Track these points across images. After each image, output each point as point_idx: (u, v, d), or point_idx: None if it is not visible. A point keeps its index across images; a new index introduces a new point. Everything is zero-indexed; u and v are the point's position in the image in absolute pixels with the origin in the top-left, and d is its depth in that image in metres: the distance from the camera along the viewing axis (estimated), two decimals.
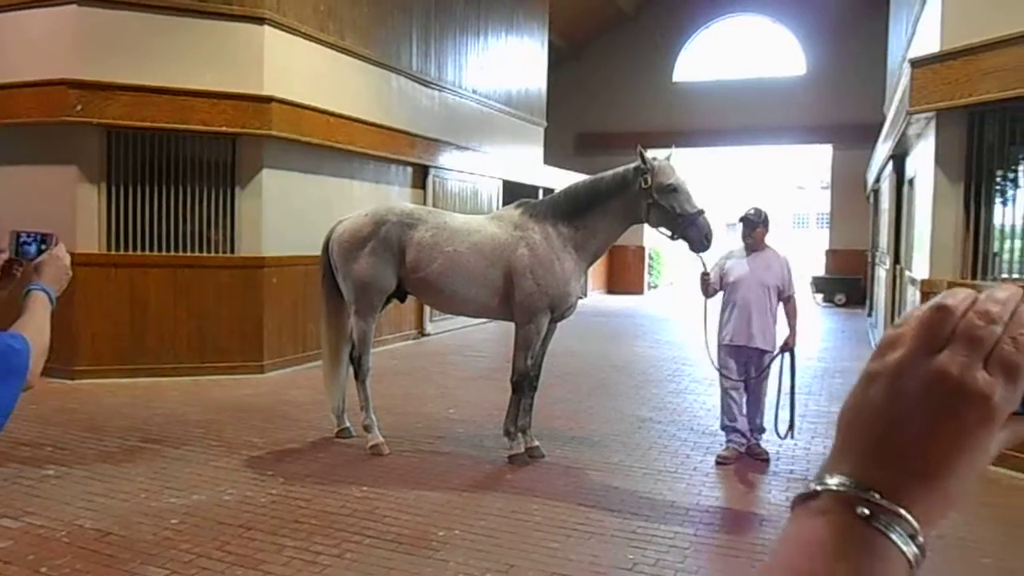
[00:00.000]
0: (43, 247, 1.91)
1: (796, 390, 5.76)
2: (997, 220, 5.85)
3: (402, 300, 5.89)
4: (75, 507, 4.53)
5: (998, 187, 5.80)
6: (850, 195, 18.11)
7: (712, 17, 19.85)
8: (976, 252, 5.89)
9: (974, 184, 5.87)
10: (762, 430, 5.83)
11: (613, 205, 5.27)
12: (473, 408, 7.19)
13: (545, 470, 5.48)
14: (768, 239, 5.73)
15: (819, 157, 21.92)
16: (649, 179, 5.08)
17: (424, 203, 11.37)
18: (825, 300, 18.31)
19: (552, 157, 17.03)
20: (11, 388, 1.53)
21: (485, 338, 11.66)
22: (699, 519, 4.62)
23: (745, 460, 5.76)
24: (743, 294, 5.59)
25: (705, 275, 5.56)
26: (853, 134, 17.68)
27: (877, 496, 0.51)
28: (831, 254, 19.23)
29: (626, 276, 20.20)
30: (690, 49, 20.25)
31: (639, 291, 20.30)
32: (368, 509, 4.61)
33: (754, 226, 5.66)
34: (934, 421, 0.51)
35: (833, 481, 0.52)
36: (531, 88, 15.45)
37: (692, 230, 5.09)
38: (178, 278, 8.22)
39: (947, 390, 0.51)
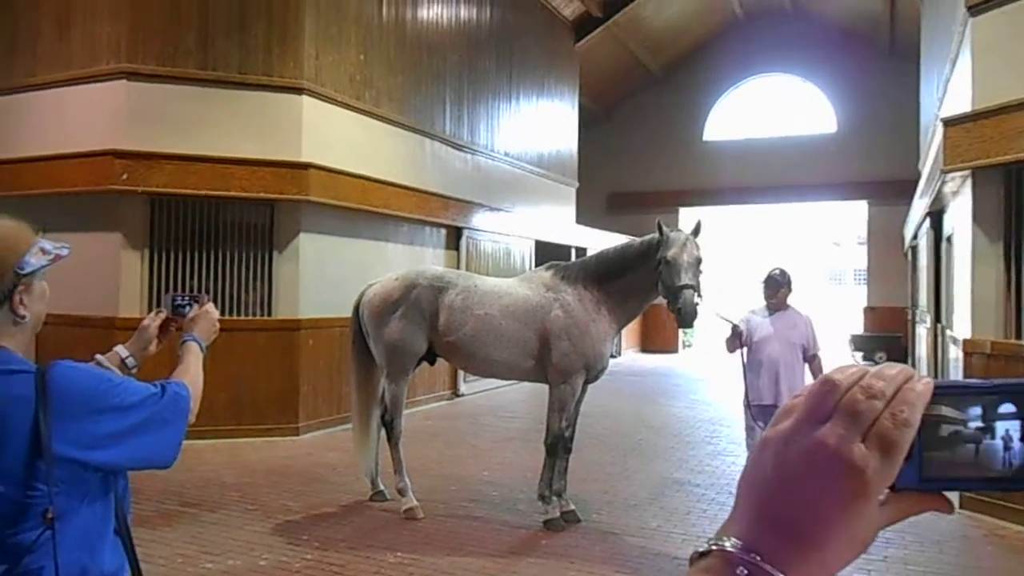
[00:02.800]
0: (194, 304, 2.22)
1: None
2: None
3: (432, 363, 5.91)
4: None
5: None
6: (888, 251, 17.91)
7: (742, 77, 20.08)
8: (1019, 311, 5.77)
9: (1014, 242, 5.78)
10: None
11: (640, 273, 5.29)
12: (507, 470, 7.12)
13: (581, 535, 5.38)
14: (790, 299, 5.71)
15: (855, 213, 21.74)
16: (660, 250, 5.12)
17: (458, 264, 11.50)
18: (865, 358, 17.95)
19: (584, 216, 17.16)
20: (180, 429, 1.74)
21: (519, 399, 11.60)
22: None
23: None
24: (769, 353, 5.53)
25: (736, 332, 5.53)
26: (888, 190, 17.61)
27: (758, 559, 0.52)
28: (869, 311, 18.93)
29: (661, 334, 20.05)
30: (720, 108, 20.46)
31: (673, 349, 20.11)
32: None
33: (779, 287, 5.64)
34: (813, 490, 0.53)
35: (725, 543, 0.54)
36: (563, 149, 15.69)
37: (674, 303, 5.04)
38: (216, 341, 8.31)
39: (824, 460, 0.52)
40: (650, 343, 20.17)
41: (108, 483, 1.67)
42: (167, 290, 8.23)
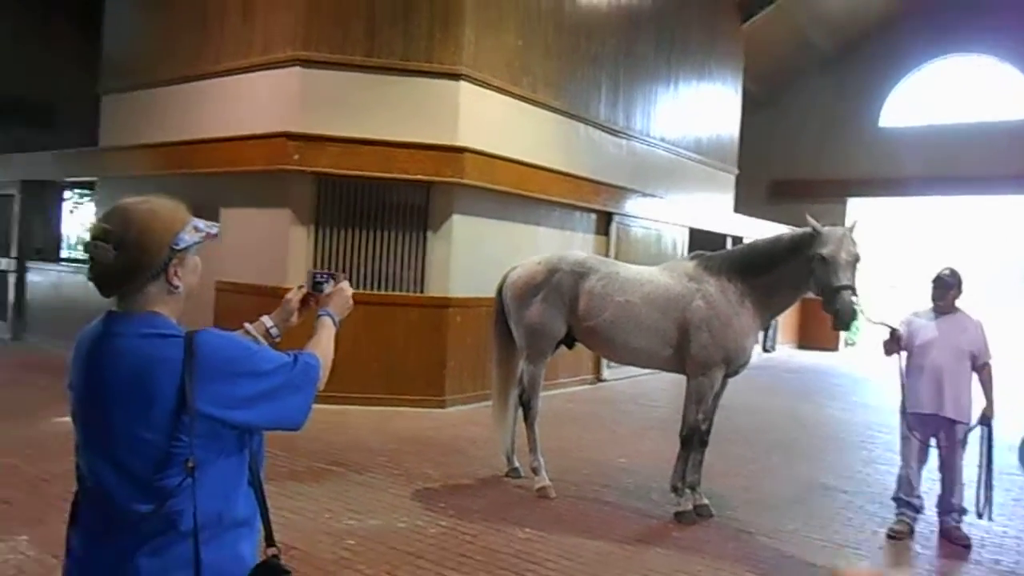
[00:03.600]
0: (332, 282, 2.34)
1: (994, 467, 5.18)
2: None
3: (570, 347, 5.96)
4: None
5: None
6: None
7: (927, 58, 18.54)
8: None
9: None
10: (962, 511, 5.26)
11: (789, 268, 5.08)
12: (643, 458, 7.08)
13: (713, 531, 5.27)
14: (959, 302, 5.27)
15: None
16: (814, 246, 4.87)
17: (607, 249, 11.46)
18: None
19: (744, 205, 16.55)
20: (309, 395, 1.90)
21: (661, 387, 11.43)
22: None
23: (943, 544, 5.23)
24: (934, 359, 5.15)
25: (895, 335, 5.19)
26: None
27: None
28: None
29: (820, 331, 18.97)
30: (900, 92, 19.00)
31: (833, 347, 19.01)
32: (530, 551, 4.67)
33: (948, 288, 5.23)
34: None
35: None
36: (723, 135, 15.20)
37: (830, 304, 4.79)
38: (371, 314, 8.82)
39: None
40: (808, 339, 19.16)
41: (243, 440, 1.84)
42: (318, 266, 8.80)
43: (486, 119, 9.18)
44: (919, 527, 5.43)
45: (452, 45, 8.88)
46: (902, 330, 5.38)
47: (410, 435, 7.54)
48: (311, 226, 8.81)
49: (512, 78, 9.60)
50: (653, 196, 12.52)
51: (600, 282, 5.52)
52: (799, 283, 5.16)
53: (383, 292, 8.93)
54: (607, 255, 11.02)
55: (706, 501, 5.54)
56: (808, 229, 5.07)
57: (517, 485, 6.02)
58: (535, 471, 5.86)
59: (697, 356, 5.22)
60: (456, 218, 9.02)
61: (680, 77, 13.46)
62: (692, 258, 5.57)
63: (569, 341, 5.87)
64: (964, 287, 5.31)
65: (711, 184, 14.68)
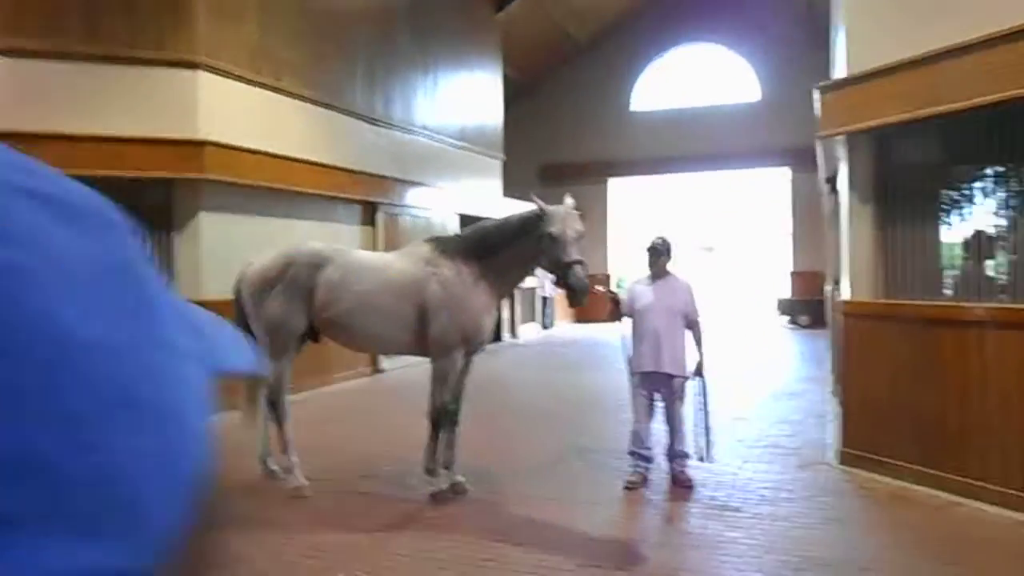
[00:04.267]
0: None
1: (710, 414, 5.79)
2: (909, 240, 5.91)
3: (316, 340, 5.87)
4: None
5: (910, 207, 5.87)
6: (810, 217, 18.29)
7: (667, 46, 20.21)
8: (891, 271, 5.95)
9: (885, 205, 5.95)
10: (685, 455, 5.82)
11: (518, 248, 5.30)
12: (410, 446, 7.07)
13: (467, 506, 5.44)
14: (671, 266, 5.82)
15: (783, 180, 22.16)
16: (542, 226, 5.12)
17: (374, 240, 11.40)
18: (791, 322, 18.42)
19: (516, 189, 17.09)
20: None
21: None
22: (607, 550, 4.59)
23: (672, 488, 5.76)
24: (651, 320, 5.65)
25: (615, 300, 5.63)
26: (809, 157, 17.85)
27: None
28: (795, 276, 19.39)
29: (594, 305, 20.17)
30: (646, 78, 20.56)
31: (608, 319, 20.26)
32: (276, 553, 4.56)
33: (660, 254, 5.75)
34: None
35: None
36: (487, 122, 15.61)
37: (564, 279, 5.06)
38: None
39: None
40: (585, 313, 20.27)
41: None
42: None
43: (229, 110, 8.76)
44: (654, 475, 5.93)
45: (185, 33, 8.37)
46: (626, 297, 5.84)
47: None
48: None
49: (255, 67, 9.23)
50: (419, 184, 12.62)
51: (337, 272, 5.47)
52: (530, 261, 5.40)
53: None
54: (375, 246, 10.97)
55: (461, 478, 5.69)
56: (534, 209, 5.32)
57: (273, 488, 5.84)
58: (288, 471, 5.72)
59: (437, 338, 5.33)
60: (203, 216, 8.55)
61: (439, 65, 13.63)
62: (428, 242, 5.66)
63: (314, 335, 5.77)
64: (673, 253, 5.85)
65: (478, 170, 15.05)
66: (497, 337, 15.99)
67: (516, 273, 5.52)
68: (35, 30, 7.81)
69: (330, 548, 4.64)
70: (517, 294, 16.55)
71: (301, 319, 5.54)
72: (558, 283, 5.23)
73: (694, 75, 20.32)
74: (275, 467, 5.99)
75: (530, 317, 17.74)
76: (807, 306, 17.80)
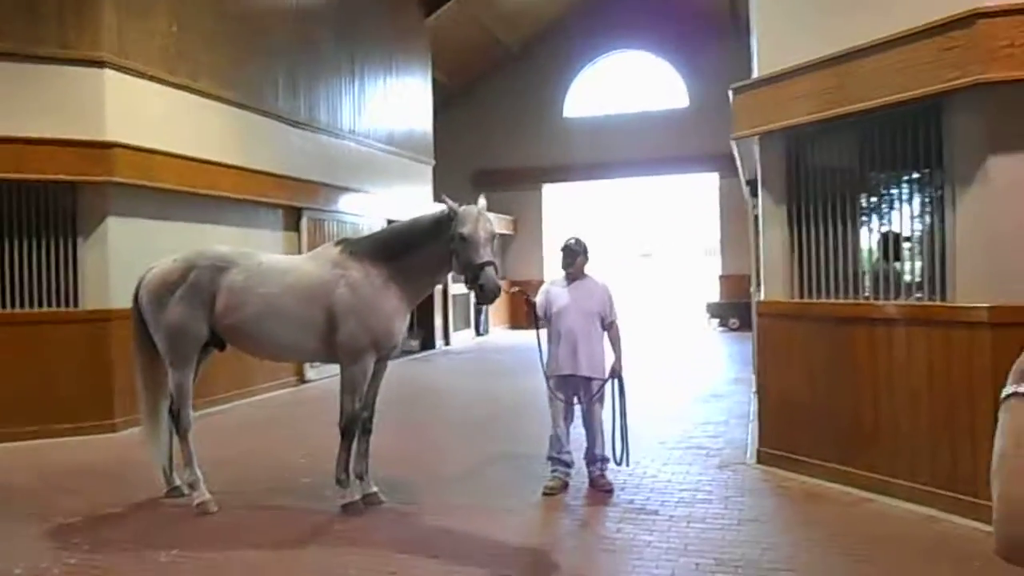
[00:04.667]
0: None
1: (627, 416, 5.75)
2: (822, 240, 5.97)
3: (222, 349, 5.62)
4: None
5: (817, 207, 5.93)
6: (737, 221, 18.61)
7: (598, 53, 20.37)
8: (802, 271, 6.01)
9: (795, 205, 6.02)
10: (604, 459, 5.77)
11: (430, 249, 5.16)
12: (327, 456, 6.84)
13: (379, 517, 5.27)
14: (587, 268, 5.77)
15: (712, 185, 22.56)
16: (453, 226, 5.01)
17: (299, 245, 11.12)
18: (720, 325, 18.71)
19: (450, 194, 16.94)
20: None
21: None
22: (520, 558, 4.49)
23: (591, 492, 5.69)
24: (567, 323, 5.59)
25: (530, 304, 5.54)
26: (735, 162, 18.27)
27: None
28: (724, 280, 19.70)
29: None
30: (577, 85, 20.68)
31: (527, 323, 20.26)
32: (169, 573, 4.31)
33: (575, 255, 5.70)
34: None
35: None
36: (416, 127, 15.44)
37: (475, 281, 4.91)
38: (16, 337, 7.73)
39: None
40: (518, 319, 20.25)
41: None
42: None
43: (140, 111, 8.41)
44: (573, 480, 5.86)
45: (90, 29, 8.00)
46: (541, 299, 5.77)
47: (64, 467, 6.71)
48: None
49: (169, 67, 8.89)
50: (346, 189, 12.38)
51: (240, 275, 5.25)
52: (442, 263, 5.26)
53: (28, 310, 7.85)
54: (300, 251, 10.69)
55: (375, 489, 5.52)
56: (443, 210, 5.20)
57: (175, 505, 5.56)
58: (192, 486, 5.46)
59: (345, 344, 5.16)
60: (111, 221, 8.17)
61: (366, 70, 13.42)
62: (338, 244, 5.48)
63: (219, 343, 5.53)
64: (589, 254, 5.79)
65: (407, 175, 14.85)
66: (430, 344, 15.82)
67: (428, 276, 5.38)
68: None
69: (234, 566, 4.41)
70: (451, 301, 16.40)
71: (202, 326, 5.29)
72: (468, 284, 5.09)
73: (624, 82, 20.53)
74: (179, 482, 5.71)
75: (464, 324, 17.59)
76: (736, 309, 18.09)
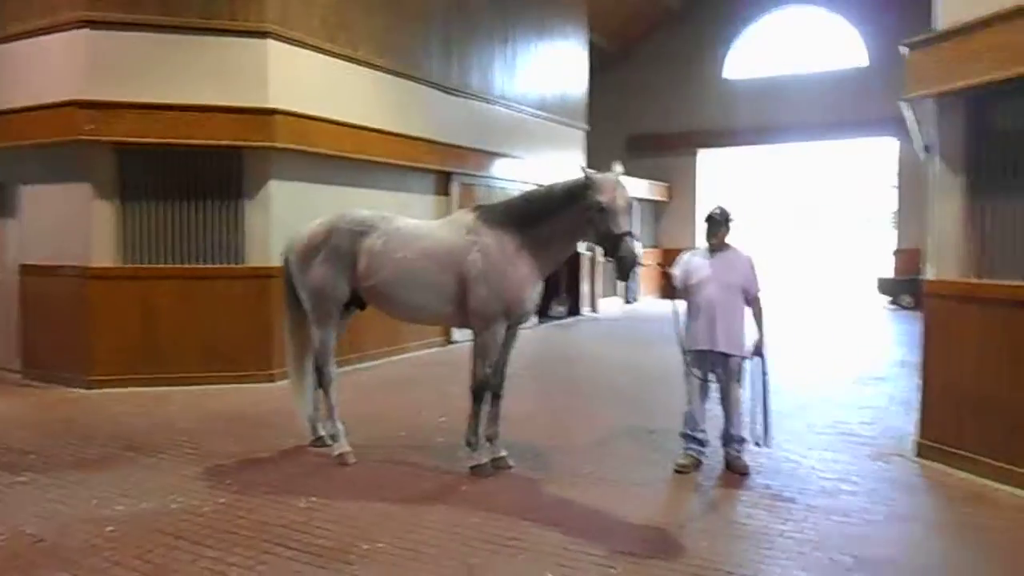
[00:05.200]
0: None
1: (768, 396, 5.41)
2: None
3: (362, 308, 5.82)
4: (27, 512, 4.64)
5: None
6: (916, 191, 17.08)
7: (763, 11, 19.20)
8: (982, 252, 5.37)
9: (976, 174, 5.36)
10: (741, 440, 5.48)
11: (563, 218, 5.07)
12: (465, 419, 7.01)
13: (506, 482, 5.30)
14: (730, 238, 5.44)
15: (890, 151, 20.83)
16: (589, 195, 4.86)
17: (448, 209, 11.33)
18: (892, 302, 17.36)
19: (602, 160, 16.62)
20: None
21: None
22: (643, 536, 4.36)
23: (725, 474, 5.44)
24: (706, 295, 5.31)
25: (666, 274, 5.31)
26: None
27: None
28: (899, 254, 18.21)
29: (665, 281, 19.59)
30: (740, 45, 19.61)
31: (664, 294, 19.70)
32: (304, 520, 4.55)
33: (719, 225, 5.39)
34: None
35: None
36: (569, 91, 15.25)
37: (615, 252, 4.80)
38: (188, 290, 8.42)
39: None
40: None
41: None
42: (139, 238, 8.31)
43: (300, 79, 8.81)
44: (708, 460, 5.63)
45: (256, 2, 8.43)
46: (678, 271, 5.53)
47: (224, 412, 7.26)
48: (115, 199, 8.26)
49: (328, 35, 9.24)
50: (495, 154, 12.46)
51: (380, 239, 5.39)
52: (575, 232, 5.17)
53: (200, 265, 8.52)
54: (448, 215, 10.90)
55: (503, 453, 5.56)
56: (581, 178, 5.07)
57: (318, 454, 5.88)
58: (333, 438, 5.74)
59: (476, 309, 5.18)
60: (273, 184, 8.66)
61: (519, 33, 13.37)
62: (474, 210, 5.49)
63: (360, 303, 5.73)
64: (733, 224, 5.47)
65: (559, 141, 14.73)
66: (576, 311, 15.77)
67: (561, 244, 5.27)
68: (114, 2, 8.04)
69: (363, 517, 4.59)
70: (599, 267, 16.23)
71: (344, 287, 5.50)
72: (606, 255, 4.98)
73: (793, 40, 19.21)
74: (323, 432, 6.01)
75: (613, 291, 17.37)
76: (910, 285, 16.67)
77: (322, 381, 5.78)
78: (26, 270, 8.80)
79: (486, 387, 5.39)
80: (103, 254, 8.23)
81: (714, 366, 5.44)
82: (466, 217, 5.43)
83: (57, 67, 8.24)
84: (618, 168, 5.08)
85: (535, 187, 5.61)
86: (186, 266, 8.45)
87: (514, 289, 5.14)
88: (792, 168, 26.53)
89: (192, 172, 8.45)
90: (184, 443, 6.17)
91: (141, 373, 8.23)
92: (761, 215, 26.71)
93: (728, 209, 5.49)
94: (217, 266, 8.53)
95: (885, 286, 17.72)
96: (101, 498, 4.89)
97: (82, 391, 8.08)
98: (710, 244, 5.50)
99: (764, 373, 5.40)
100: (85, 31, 8.06)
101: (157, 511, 4.69)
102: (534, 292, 5.29)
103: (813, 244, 32.73)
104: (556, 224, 5.14)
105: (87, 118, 7.87)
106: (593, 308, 16.33)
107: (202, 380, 8.29)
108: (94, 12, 8.02)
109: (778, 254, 27.49)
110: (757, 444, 5.44)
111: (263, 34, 8.41)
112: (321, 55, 9.13)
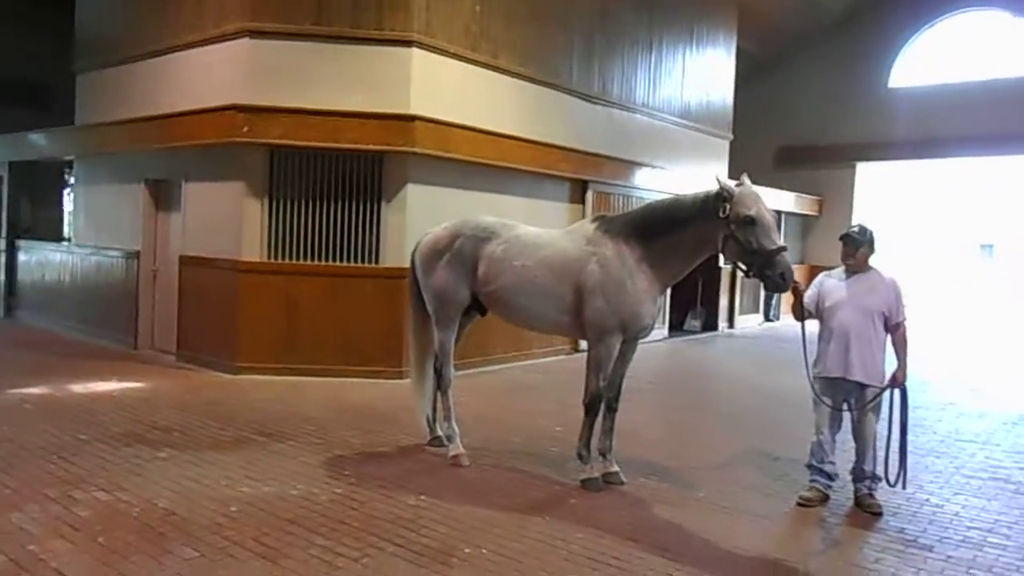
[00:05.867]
0: None
1: (907, 432, 4.97)
2: None
3: (483, 314, 5.87)
4: (162, 487, 5.00)
5: None
6: None
7: (936, 15, 17.83)
8: None
9: None
10: (875, 478, 5.08)
11: (690, 231, 4.90)
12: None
13: (615, 498, 5.18)
14: (873, 260, 5.04)
15: None
16: (728, 208, 4.65)
17: (583, 217, 11.28)
18: None
19: (749, 172, 16.13)
20: None
21: (639, 356, 11.26)
22: (755, 571, 4.12)
23: (853, 512, 5.06)
24: (841, 320, 4.96)
25: (796, 290, 4.98)
26: None
27: None
28: None
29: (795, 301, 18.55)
30: (909, 52, 18.31)
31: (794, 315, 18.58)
32: (412, 518, 4.63)
33: (858, 245, 5.02)
34: None
35: None
36: (714, 100, 14.81)
37: (768, 268, 4.59)
38: (328, 287, 8.82)
39: None
40: None
41: None
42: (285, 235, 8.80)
43: (441, 86, 9.05)
44: (836, 495, 5.26)
45: (403, 12, 8.74)
46: (812, 292, 5.20)
47: (353, 405, 7.54)
48: (264, 198, 8.80)
49: (471, 44, 9.44)
50: (633, 163, 12.28)
51: (501, 246, 5.42)
52: (701, 246, 4.99)
53: (338, 264, 8.91)
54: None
55: (616, 468, 5.44)
56: (714, 189, 4.88)
57: (434, 453, 5.98)
58: (449, 439, 5.83)
59: (591, 322, 5.10)
60: (411, 188, 8.93)
61: (664, 40, 13.12)
62: (594, 220, 5.42)
63: (481, 308, 5.79)
64: (876, 244, 5.09)
65: (701, 151, 14.33)
66: (712, 326, 15.27)
67: (684, 258, 5.09)
68: (273, 13, 8.57)
69: (468, 520, 4.62)
70: (739, 282, 15.65)
71: (465, 291, 5.58)
72: (752, 272, 4.76)
73: (968, 46, 17.70)
74: (440, 432, 6.11)
75: (752, 307, 16.70)
76: None
77: (440, 383, 5.89)
78: (185, 261, 9.53)
79: (599, 400, 5.30)
80: (251, 249, 8.78)
81: (847, 395, 5.08)
82: (587, 227, 5.36)
83: (220, 73, 8.89)
84: (747, 180, 4.85)
85: (664, 198, 5.46)
86: (326, 264, 8.87)
87: (631, 303, 5.02)
88: (962, 183, 24.47)
89: (335, 174, 8.86)
90: (312, 432, 6.45)
91: (281, 362, 8.71)
92: (927, 234, 24.91)
93: (869, 228, 5.11)
94: (355, 265, 8.90)
95: None
96: (230, 479, 5.19)
97: (228, 376, 8.65)
98: (847, 265, 5.14)
99: (904, 407, 4.98)
100: (246, 39, 8.65)
101: (277, 495, 4.92)
102: (653, 306, 5.14)
103: (989, 267, 30.11)
104: (681, 237, 4.98)
105: (244, 121, 8.43)
106: (731, 324, 15.76)
107: (337, 373, 8.67)
108: (257, 23, 8.59)
109: (938, 279, 25.50)
110: (891, 484, 5.02)
111: (408, 42, 8.70)
112: (462, 63, 9.34)
